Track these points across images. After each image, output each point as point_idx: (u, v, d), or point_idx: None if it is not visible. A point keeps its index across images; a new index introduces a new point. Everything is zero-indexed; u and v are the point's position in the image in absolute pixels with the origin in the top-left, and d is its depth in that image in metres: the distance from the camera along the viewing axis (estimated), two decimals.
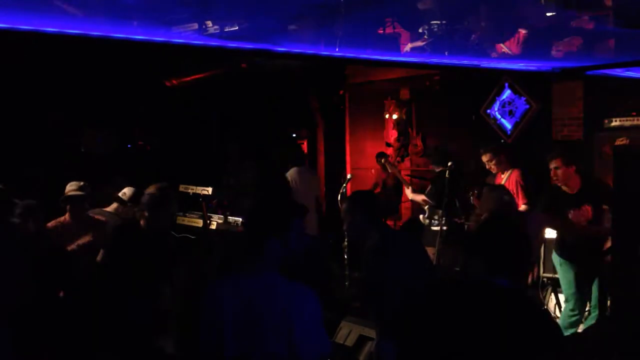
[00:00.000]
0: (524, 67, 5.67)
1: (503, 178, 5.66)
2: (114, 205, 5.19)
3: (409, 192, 6.75)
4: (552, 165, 4.97)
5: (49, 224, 4.70)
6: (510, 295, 2.36)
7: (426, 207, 6.40)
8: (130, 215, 5.11)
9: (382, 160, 7.01)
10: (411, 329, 2.45)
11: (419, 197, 6.39)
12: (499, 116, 7.76)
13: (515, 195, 5.46)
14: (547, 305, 5.80)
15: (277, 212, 2.53)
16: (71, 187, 4.81)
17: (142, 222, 4.00)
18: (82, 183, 4.84)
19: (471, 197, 5.87)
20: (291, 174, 6.67)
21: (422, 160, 8.71)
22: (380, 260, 3.37)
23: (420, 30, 4.21)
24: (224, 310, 2.38)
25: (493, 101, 7.80)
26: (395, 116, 8.89)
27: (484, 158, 5.74)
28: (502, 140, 7.64)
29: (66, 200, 4.75)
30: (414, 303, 2.55)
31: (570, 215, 4.86)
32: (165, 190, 4.08)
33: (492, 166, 5.74)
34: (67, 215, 4.78)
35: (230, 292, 2.42)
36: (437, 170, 6.38)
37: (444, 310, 2.40)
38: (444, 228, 5.86)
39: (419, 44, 4.31)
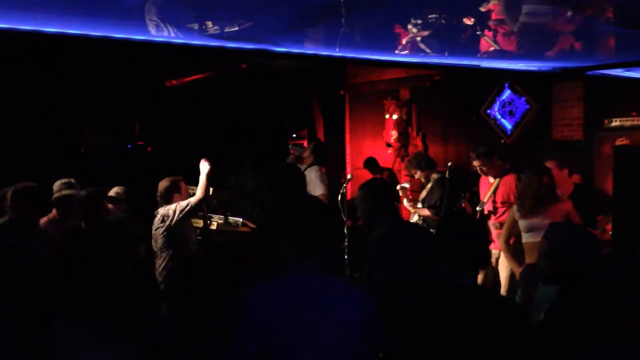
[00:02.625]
0: (524, 68, 5.66)
1: (494, 183, 5.60)
2: (109, 205, 5.19)
3: (409, 206, 6.29)
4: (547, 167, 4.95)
5: (41, 221, 4.66)
6: (486, 295, 2.39)
7: (415, 214, 6.11)
8: (121, 213, 5.17)
9: (399, 189, 6.20)
10: (396, 327, 2.44)
11: (424, 212, 6.07)
12: (499, 116, 7.76)
13: (512, 199, 5.43)
14: None
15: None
16: (60, 186, 4.76)
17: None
18: (71, 180, 4.80)
19: (462, 200, 5.80)
20: (315, 172, 6.51)
21: None
22: (382, 251, 3.32)
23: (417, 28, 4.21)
24: (271, 314, 2.22)
25: (493, 101, 7.80)
26: (395, 116, 8.89)
27: (476, 163, 5.66)
28: (502, 141, 7.64)
29: (58, 200, 4.69)
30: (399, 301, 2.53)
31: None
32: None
33: (483, 169, 5.67)
34: (54, 213, 4.68)
35: (279, 295, 2.28)
36: (433, 176, 6.02)
37: (423, 313, 2.40)
38: None
39: (420, 33, 4.29)
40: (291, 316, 2.22)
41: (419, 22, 4.17)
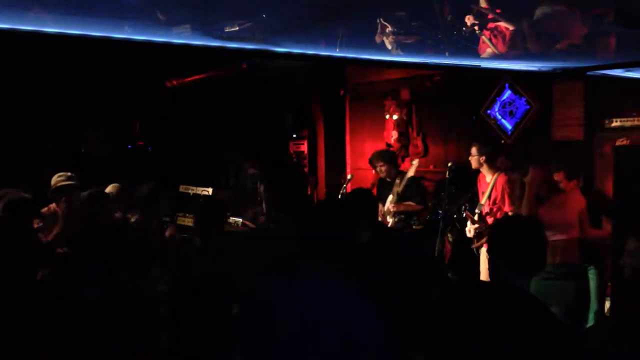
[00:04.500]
0: (524, 68, 5.66)
1: (490, 183, 5.59)
2: None
3: (391, 205, 6.13)
4: (556, 179, 4.93)
5: (42, 210, 4.70)
6: (529, 299, 2.35)
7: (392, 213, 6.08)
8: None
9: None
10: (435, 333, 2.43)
11: (410, 205, 6.05)
12: (499, 117, 7.76)
13: (500, 202, 5.43)
14: None
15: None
16: (60, 178, 4.78)
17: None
18: (69, 173, 4.83)
19: (463, 210, 5.78)
20: None
21: (423, 160, 8.71)
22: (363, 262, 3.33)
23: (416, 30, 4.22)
24: (275, 311, 2.27)
25: (493, 101, 7.79)
26: (395, 116, 8.88)
27: (472, 150, 5.64)
28: (502, 141, 7.63)
29: (56, 191, 4.71)
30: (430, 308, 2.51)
31: None
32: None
33: (473, 162, 5.64)
34: (53, 205, 4.73)
35: (285, 293, 2.30)
36: (407, 175, 6.12)
37: (462, 314, 2.38)
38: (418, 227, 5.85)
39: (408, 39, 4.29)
40: (292, 315, 2.23)
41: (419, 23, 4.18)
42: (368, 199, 3.78)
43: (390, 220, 6.04)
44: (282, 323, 2.24)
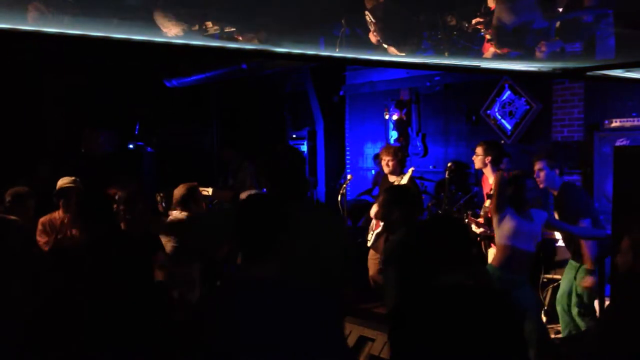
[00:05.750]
0: (524, 68, 5.65)
1: (492, 184, 5.57)
2: None
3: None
4: (537, 167, 4.91)
5: (42, 219, 4.72)
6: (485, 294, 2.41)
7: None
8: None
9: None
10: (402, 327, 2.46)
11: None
12: (499, 117, 7.76)
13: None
14: (546, 306, 5.80)
15: None
16: (64, 181, 4.84)
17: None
18: (74, 178, 4.88)
19: (465, 216, 5.73)
20: None
21: (422, 161, 8.72)
22: (398, 255, 3.39)
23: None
24: (235, 310, 2.15)
25: (493, 102, 7.80)
26: (395, 116, 8.88)
27: (478, 150, 5.59)
28: (502, 141, 7.64)
29: (60, 193, 4.76)
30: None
31: None
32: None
33: (477, 162, 5.59)
34: (60, 211, 4.77)
35: (243, 291, 2.18)
36: (405, 177, 5.99)
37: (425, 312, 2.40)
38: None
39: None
40: (236, 326, 2.10)
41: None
42: (408, 194, 3.84)
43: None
44: (228, 335, 2.11)
